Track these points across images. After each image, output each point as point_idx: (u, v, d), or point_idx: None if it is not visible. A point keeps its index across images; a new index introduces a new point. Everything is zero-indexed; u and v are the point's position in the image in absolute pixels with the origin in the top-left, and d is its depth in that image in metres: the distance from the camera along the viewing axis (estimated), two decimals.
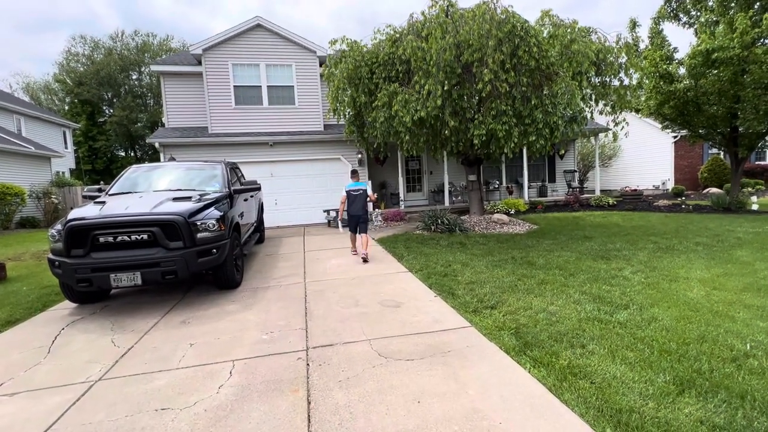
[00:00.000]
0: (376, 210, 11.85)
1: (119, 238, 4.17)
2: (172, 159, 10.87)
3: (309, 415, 2.37)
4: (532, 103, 7.67)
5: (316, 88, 12.44)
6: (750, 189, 15.84)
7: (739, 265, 5.41)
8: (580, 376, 2.66)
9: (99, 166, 33.05)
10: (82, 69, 34.51)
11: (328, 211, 11.50)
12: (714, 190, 16.27)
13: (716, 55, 9.69)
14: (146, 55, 36.78)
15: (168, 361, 3.18)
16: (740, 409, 2.26)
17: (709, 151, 17.84)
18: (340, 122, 11.18)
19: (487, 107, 7.85)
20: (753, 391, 2.43)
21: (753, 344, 3.05)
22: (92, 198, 5.39)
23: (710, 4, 10.91)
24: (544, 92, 7.92)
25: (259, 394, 2.63)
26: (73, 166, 25.75)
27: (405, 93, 7.98)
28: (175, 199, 4.93)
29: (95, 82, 33.63)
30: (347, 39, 9.19)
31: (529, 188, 14.81)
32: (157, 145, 11.09)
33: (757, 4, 10.04)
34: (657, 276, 4.97)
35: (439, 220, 9.10)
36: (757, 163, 18.70)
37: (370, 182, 8.89)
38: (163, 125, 12.89)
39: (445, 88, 7.41)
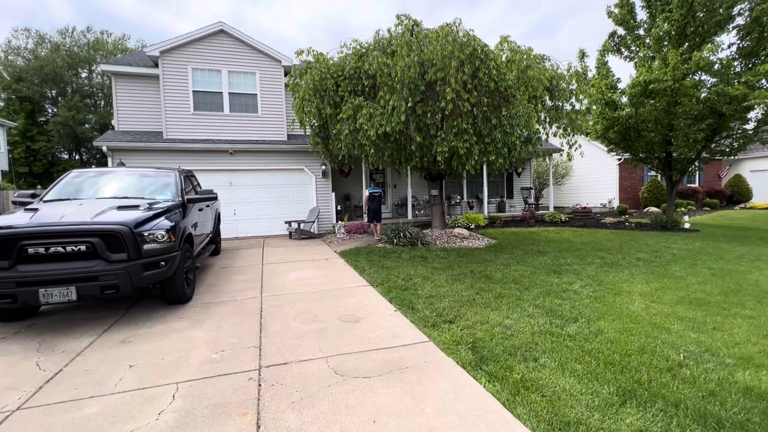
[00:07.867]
0: (339, 222, 11.74)
1: (52, 250, 3.80)
2: (122, 164, 10.21)
3: None
4: (492, 123, 8.00)
5: (280, 98, 12.27)
6: (683, 209, 17.41)
7: (674, 279, 5.87)
8: (532, 389, 2.73)
9: (37, 169, 30.41)
10: (22, 63, 31.84)
11: (289, 223, 11.22)
12: (653, 209, 17.71)
13: (653, 86, 10.68)
14: (99, 53, 34.67)
15: (102, 386, 2.90)
16: (675, 417, 2.41)
17: (649, 174, 19.42)
18: (306, 133, 11.07)
19: (450, 125, 8.09)
20: (686, 399, 2.60)
21: (686, 354, 3.29)
22: (23, 204, 4.92)
23: (647, 41, 12.07)
24: (503, 113, 8.28)
25: (204, 419, 2.46)
26: (6, 168, 23.44)
27: (370, 107, 8.06)
28: (120, 207, 4.60)
29: (38, 78, 31.10)
30: (313, 50, 9.20)
31: (488, 204, 15.34)
32: (105, 149, 10.37)
33: (686, 44, 11.26)
34: (603, 290, 5.27)
35: (402, 234, 9.16)
36: (688, 185, 20.61)
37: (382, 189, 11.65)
38: (113, 128, 12.10)
39: (410, 104, 7.57)
